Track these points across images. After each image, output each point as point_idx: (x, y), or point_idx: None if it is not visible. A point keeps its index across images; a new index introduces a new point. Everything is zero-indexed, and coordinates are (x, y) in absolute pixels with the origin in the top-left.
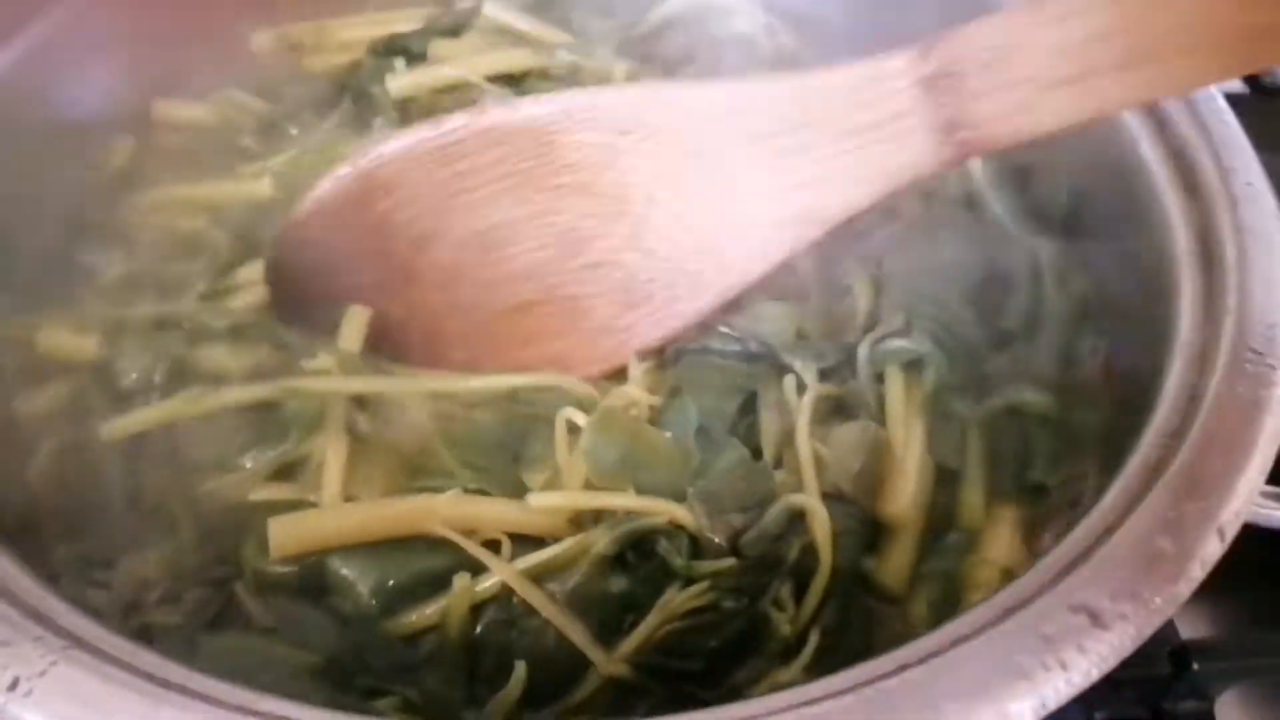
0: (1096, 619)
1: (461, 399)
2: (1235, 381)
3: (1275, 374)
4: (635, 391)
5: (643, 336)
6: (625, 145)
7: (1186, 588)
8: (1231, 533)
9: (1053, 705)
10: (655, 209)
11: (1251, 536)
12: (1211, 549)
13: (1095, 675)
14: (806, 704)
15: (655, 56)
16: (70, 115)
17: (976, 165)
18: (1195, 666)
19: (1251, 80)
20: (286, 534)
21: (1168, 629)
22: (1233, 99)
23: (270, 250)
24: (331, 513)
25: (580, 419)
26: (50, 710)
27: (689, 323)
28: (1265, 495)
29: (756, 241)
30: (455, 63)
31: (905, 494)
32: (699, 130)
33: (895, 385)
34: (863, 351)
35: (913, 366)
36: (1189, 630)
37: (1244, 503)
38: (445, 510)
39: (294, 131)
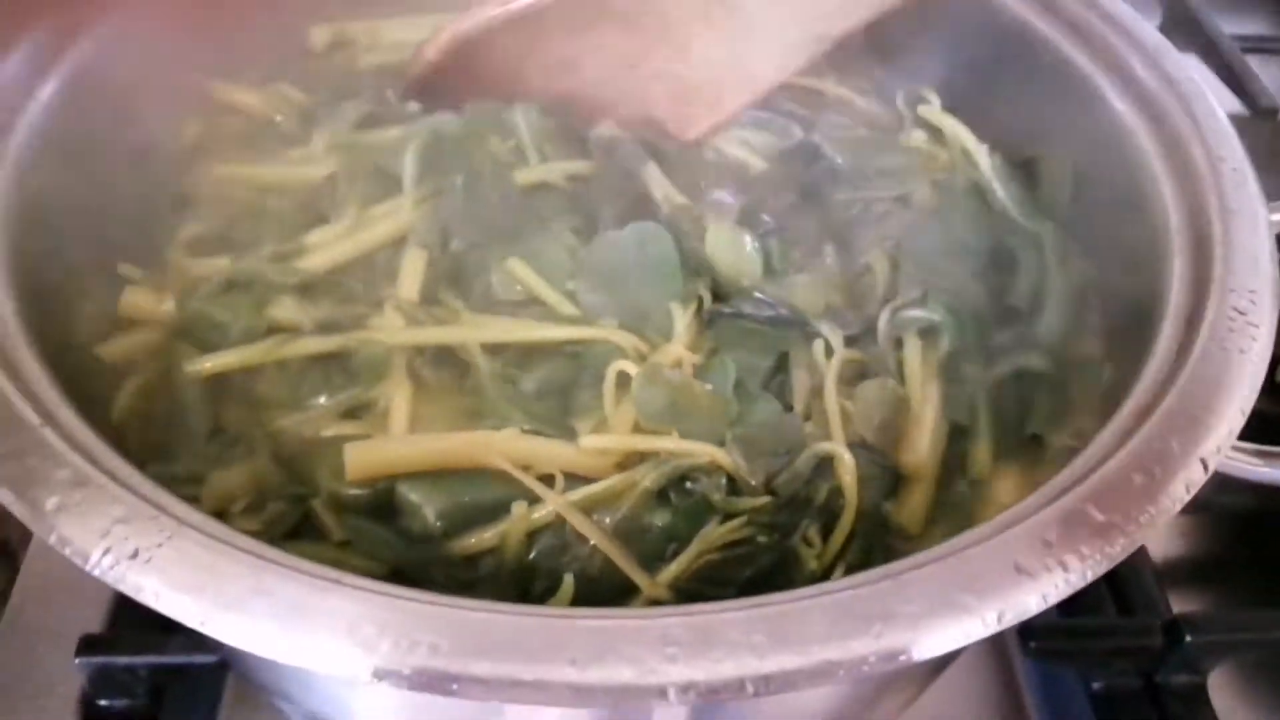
0: (1092, 528)
1: (516, 349)
2: (1220, 338)
3: (1257, 330)
4: (679, 349)
5: (699, 125)
6: None
7: (1172, 505)
8: (1213, 463)
9: (1053, 599)
10: (692, 38)
11: (1241, 524)
12: (1195, 474)
13: (1090, 576)
14: (829, 593)
15: None
16: (144, 96)
17: (984, 159)
18: (1188, 639)
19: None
20: (361, 458)
21: (1161, 603)
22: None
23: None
24: (402, 441)
25: (631, 369)
26: (168, 575)
27: (731, 115)
28: (1240, 450)
29: (777, 58)
30: None
31: (922, 445)
32: None
33: (913, 350)
34: (883, 319)
35: (928, 333)
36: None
37: (1225, 437)
38: (503, 445)
39: (342, 120)
